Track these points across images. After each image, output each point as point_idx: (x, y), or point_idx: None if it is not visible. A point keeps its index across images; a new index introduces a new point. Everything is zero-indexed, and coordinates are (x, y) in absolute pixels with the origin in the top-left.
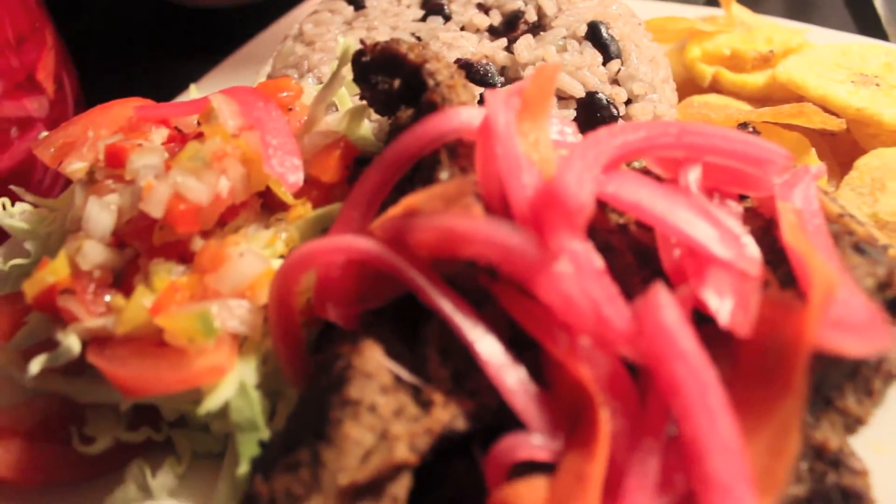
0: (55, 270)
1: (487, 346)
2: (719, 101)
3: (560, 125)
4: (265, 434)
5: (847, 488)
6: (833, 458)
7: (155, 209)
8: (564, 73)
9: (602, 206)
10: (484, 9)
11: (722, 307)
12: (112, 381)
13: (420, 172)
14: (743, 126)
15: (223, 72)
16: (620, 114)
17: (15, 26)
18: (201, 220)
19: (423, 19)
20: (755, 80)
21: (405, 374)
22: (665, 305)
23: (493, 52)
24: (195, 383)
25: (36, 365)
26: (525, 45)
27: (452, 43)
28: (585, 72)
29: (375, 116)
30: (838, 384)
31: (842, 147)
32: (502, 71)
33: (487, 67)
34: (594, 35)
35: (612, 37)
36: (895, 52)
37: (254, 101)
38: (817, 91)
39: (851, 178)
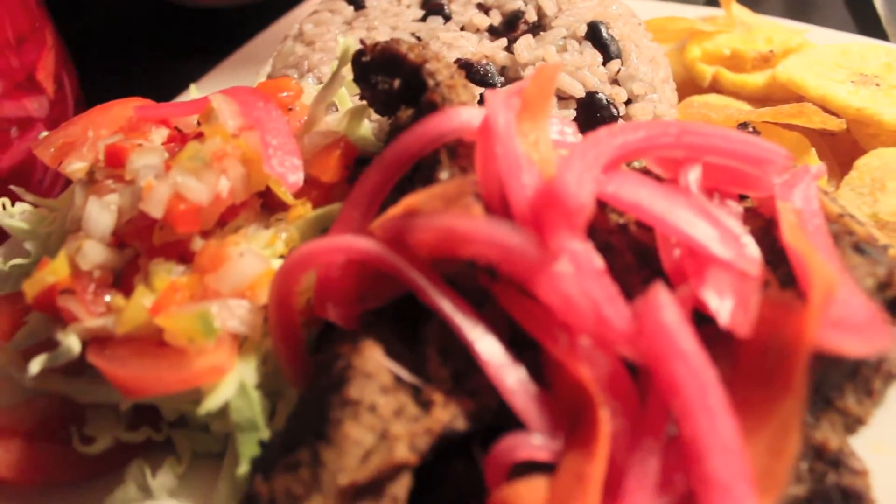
0: (55, 270)
1: (487, 346)
2: (719, 101)
3: (560, 125)
4: (265, 434)
5: (847, 488)
6: (833, 458)
7: (155, 209)
8: (564, 73)
9: (602, 206)
10: (484, 9)
11: (722, 307)
12: (112, 381)
13: (420, 172)
14: (743, 126)
15: (223, 72)
16: (620, 114)
17: (15, 26)
18: (201, 220)
19: (423, 19)
20: (755, 80)
21: (405, 374)
22: (665, 305)
23: (493, 52)
24: (195, 383)
25: (36, 365)
26: (525, 45)
27: (452, 43)
28: (585, 72)
29: (375, 116)
30: (838, 384)
31: (842, 147)
32: (502, 71)
33: (487, 67)
34: (594, 35)
35: (612, 37)
36: (895, 52)
37: (254, 101)
38: (817, 91)
39: (851, 178)
